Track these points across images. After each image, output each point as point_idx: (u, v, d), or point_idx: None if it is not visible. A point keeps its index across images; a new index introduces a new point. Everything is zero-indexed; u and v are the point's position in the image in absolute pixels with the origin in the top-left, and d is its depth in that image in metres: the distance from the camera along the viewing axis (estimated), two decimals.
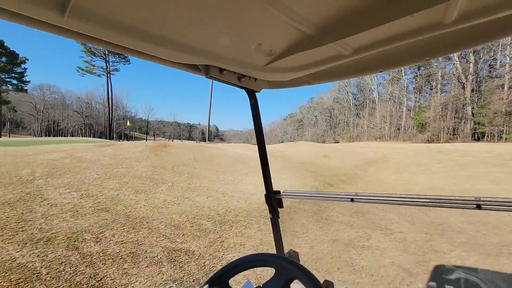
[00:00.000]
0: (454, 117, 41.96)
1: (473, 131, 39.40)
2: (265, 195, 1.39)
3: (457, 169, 11.48)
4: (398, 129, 54.68)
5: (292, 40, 0.82)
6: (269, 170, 1.37)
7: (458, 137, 40.71)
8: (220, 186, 6.75)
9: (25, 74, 44.55)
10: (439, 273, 2.58)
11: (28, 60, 44.48)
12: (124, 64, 53.71)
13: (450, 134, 42.59)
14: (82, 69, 45.69)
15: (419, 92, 53.60)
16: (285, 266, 0.85)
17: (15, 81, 43.66)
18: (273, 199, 1.37)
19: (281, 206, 1.39)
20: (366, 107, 65.79)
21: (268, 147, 20.92)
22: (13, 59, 39.98)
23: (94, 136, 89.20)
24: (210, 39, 0.79)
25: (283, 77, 1.11)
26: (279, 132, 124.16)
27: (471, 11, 0.58)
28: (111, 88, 40.63)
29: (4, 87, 42.20)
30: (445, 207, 0.91)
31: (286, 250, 1.40)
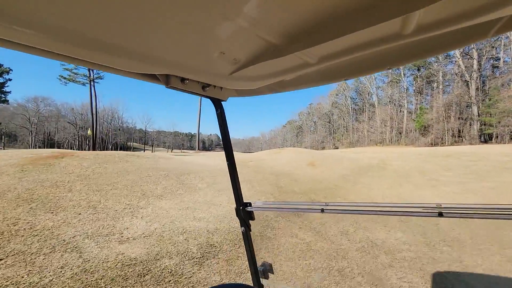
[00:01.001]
0: (459, 118, 39.29)
1: (480, 133, 36.68)
2: (235, 208, 1.35)
3: (474, 178, 8.86)
4: (400, 132, 52.06)
5: (257, 49, 0.81)
6: (238, 182, 1.32)
7: (464, 139, 38.00)
8: (84, 225, 4.18)
9: (6, 85, 42.89)
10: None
11: (11, 70, 42.90)
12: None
13: (455, 136, 39.86)
14: (65, 78, 43.78)
15: (420, 94, 51.15)
16: None
17: None
18: (244, 213, 1.33)
19: (252, 218, 1.36)
20: (365, 111, 63.47)
21: (248, 155, 18.42)
22: None
23: (87, 148, 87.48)
24: (169, 47, 0.75)
25: (251, 85, 1.06)
26: (279, 140, 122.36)
27: (427, 24, 0.63)
28: (95, 96, 38.59)
29: None
30: (408, 215, 0.95)
31: (259, 263, 1.39)
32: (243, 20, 0.64)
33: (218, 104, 1.24)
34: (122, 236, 3.79)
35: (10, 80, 43.64)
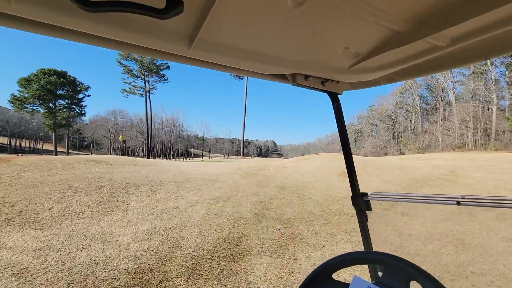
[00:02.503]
0: None
1: None
2: (351, 197, 1.29)
3: None
4: (487, 135, 41.57)
5: (380, 39, 0.79)
6: (355, 172, 1.28)
7: None
8: None
9: (83, 100, 50.18)
10: None
11: (90, 87, 49.97)
12: (163, 83, 55.93)
13: None
14: (126, 91, 48.96)
15: None
16: (403, 267, 0.79)
17: (76, 107, 49.54)
18: (360, 202, 1.27)
19: (369, 208, 1.29)
20: (439, 110, 53.38)
21: (274, 162, 16.15)
22: (74, 86, 45.28)
23: (152, 154, 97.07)
24: (297, 48, 0.80)
25: (368, 77, 1.02)
26: (336, 145, 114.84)
27: None
28: (150, 106, 42.13)
29: (68, 112, 48.14)
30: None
31: None
32: (366, 11, 0.64)
33: (335, 98, 1.21)
34: None
35: (89, 96, 50.89)
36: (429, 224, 4.70)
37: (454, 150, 43.42)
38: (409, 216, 5.43)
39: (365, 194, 1.25)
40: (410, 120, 61.68)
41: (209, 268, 3.09)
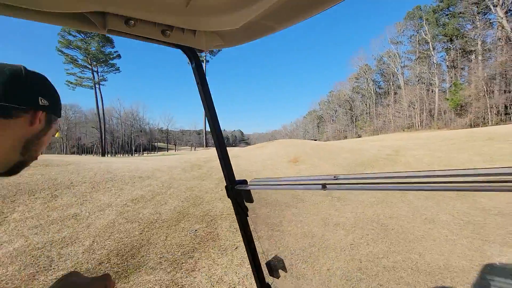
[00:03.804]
0: (505, 92, 32.48)
1: None
2: (225, 187, 0.97)
3: None
4: (431, 115, 45.48)
5: None
6: (228, 158, 0.96)
7: None
8: None
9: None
10: None
11: None
12: (115, 73, 51.17)
13: (500, 114, 33.19)
14: (71, 83, 43.82)
15: (454, 69, 44.01)
16: None
17: None
18: (235, 192, 0.95)
19: (250, 200, 0.95)
20: (390, 94, 56.97)
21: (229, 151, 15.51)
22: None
23: (111, 151, 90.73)
24: None
25: (233, 22, 0.68)
26: (300, 131, 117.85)
27: None
28: (102, 98, 37.90)
29: None
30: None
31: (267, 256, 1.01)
32: None
33: (193, 55, 0.81)
34: None
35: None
36: (360, 209, 4.43)
37: (403, 130, 46.87)
38: (345, 201, 5.15)
39: (243, 182, 0.95)
40: (366, 104, 65.19)
41: None
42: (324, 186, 0.72)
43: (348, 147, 13.57)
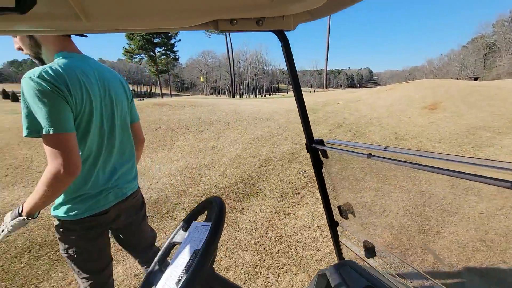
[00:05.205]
0: None
1: None
2: (305, 144, 1.16)
3: None
4: None
5: None
6: (307, 116, 1.11)
7: None
8: None
9: (175, 45, 55.04)
10: None
11: (178, 32, 53.93)
12: None
13: None
14: (207, 31, 50.13)
15: None
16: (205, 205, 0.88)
17: (170, 53, 55.24)
18: (313, 149, 1.13)
19: (325, 156, 1.11)
20: None
21: (347, 95, 14.24)
22: (166, 33, 49.85)
23: (239, 92, 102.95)
24: None
25: (319, 1, 0.68)
26: (454, 67, 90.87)
27: None
28: (231, 44, 42.04)
29: (166, 58, 54.66)
30: None
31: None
32: None
33: (282, 36, 0.93)
34: None
35: (179, 40, 55.44)
36: (410, 182, 3.32)
37: None
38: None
39: (321, 142, 1.11)
40: None
41: None
42: (369, 155, 0.77)
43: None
